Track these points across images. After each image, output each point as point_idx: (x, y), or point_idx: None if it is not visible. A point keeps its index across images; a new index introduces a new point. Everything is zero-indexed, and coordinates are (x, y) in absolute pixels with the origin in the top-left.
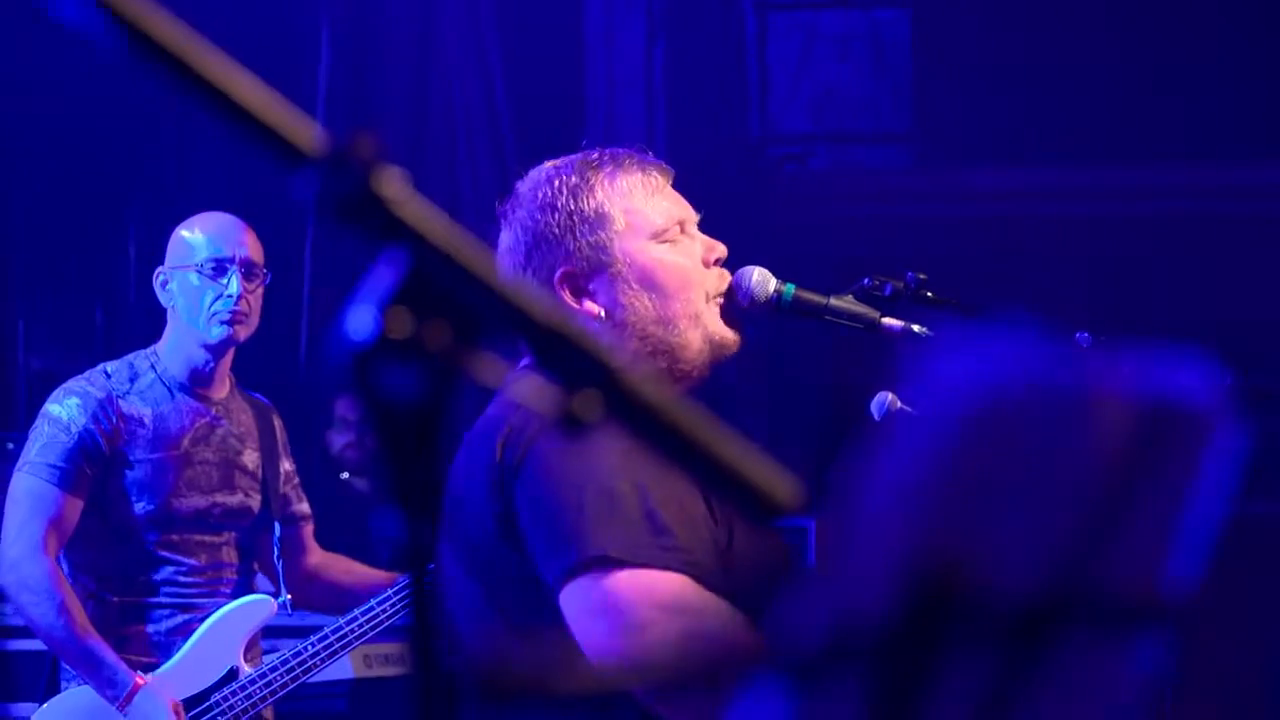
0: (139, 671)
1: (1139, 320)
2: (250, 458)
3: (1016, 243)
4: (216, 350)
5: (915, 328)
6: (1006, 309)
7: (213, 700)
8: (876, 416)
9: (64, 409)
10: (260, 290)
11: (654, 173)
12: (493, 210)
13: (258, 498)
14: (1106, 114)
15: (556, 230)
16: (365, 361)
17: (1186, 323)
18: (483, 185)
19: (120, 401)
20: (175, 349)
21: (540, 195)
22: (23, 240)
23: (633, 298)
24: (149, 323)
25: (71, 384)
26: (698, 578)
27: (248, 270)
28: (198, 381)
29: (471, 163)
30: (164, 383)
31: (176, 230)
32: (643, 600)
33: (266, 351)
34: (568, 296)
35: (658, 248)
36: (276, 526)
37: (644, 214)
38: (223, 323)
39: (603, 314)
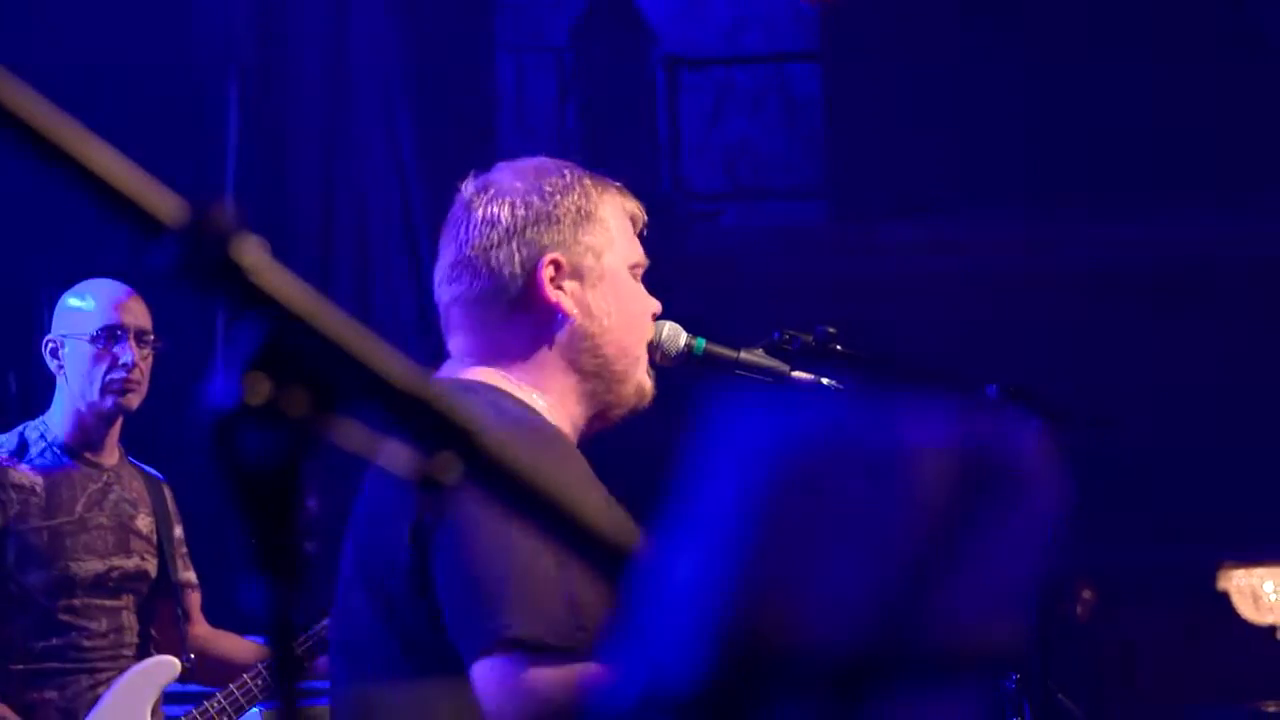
0: None
1: (1053, 373)
2: (144, 522)
3: (930, 297)
4: (108, 418)
5: (824, 381)
6: (912, 361)
7: None
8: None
9: None
10: (150, 356)
11: (638, 211)
12: (399, 266)
13: (154, 561)
14: (1019, 166)
15: (562, 217)
16: (224, 428)
17: (1097, 375)
18: (392, 241)
19: (10, 472)
20: (65, 416)
21: (549, 180)
22: None
23: (604, 312)
24: None
25: None
26: None
27: (139, 338)
28: (88, 448)
29: (381, 222)
30: (54, 450)
31: (64, 297)
32: (560, 688)
33: (172, 418)
34: (547, 283)
35: (631, 278)
36: (177, 589)
37: (630, 244)
38: (115, 392)
39: (575, 313)
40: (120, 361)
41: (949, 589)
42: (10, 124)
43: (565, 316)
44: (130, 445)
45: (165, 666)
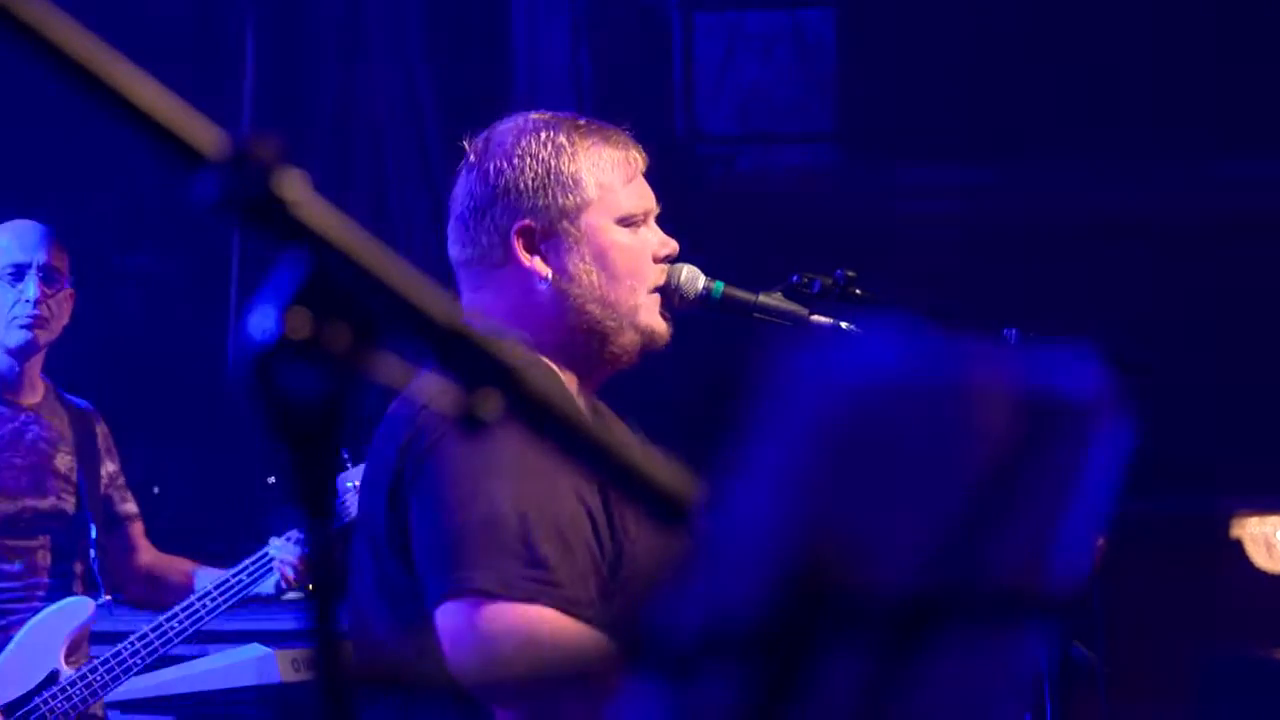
0: None
1: (1069, 317)
2: (64, 461)
3: (944, 240)
4: (19, 354)
5: (843, 324)
6: (933, 305)
7: (34, 704)
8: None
9: None
10: (63, 295)
11: (634, 155)
12: (416, 211)
13: (72, 500)
14: (1033, 110)
15: (529, 182)
16: (266, 363)
17: (1117, 320)
18: (408, 186)
19: None
20: None
21: (522, 144)
22: None
23: (583, 271)
24: None
25: None
26: (571, 611)
27: (46, 275)
28: (5, 387)
29: (397, 163)
30: None
31: None
32: (506, 634)
33: (198, 359)
34: (520, 250)
35: (619, 231)
36: (92, 529)
37: (616, 194)
38: (21, 327)
39: (550, 276)
40: (24, 297)
41: (1010, 530)
42: (54, 55)
43: (543, 280)
44: (62, 378)
45: (79, 608)
